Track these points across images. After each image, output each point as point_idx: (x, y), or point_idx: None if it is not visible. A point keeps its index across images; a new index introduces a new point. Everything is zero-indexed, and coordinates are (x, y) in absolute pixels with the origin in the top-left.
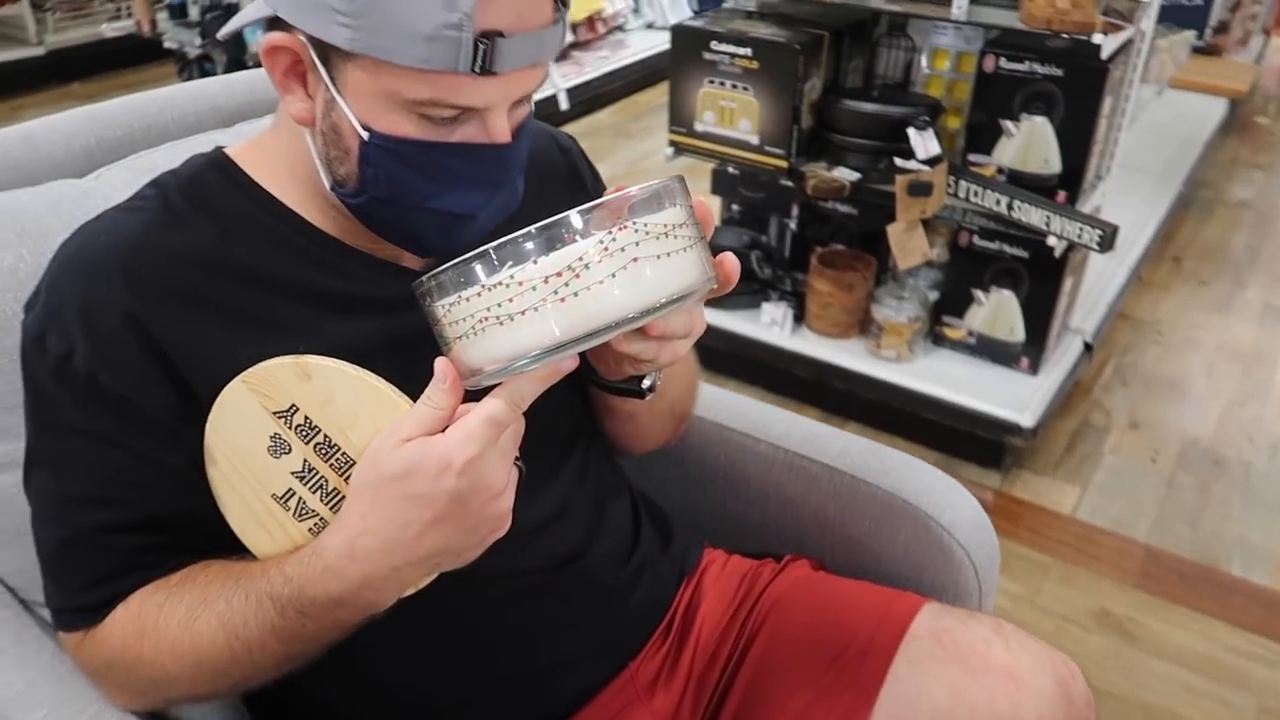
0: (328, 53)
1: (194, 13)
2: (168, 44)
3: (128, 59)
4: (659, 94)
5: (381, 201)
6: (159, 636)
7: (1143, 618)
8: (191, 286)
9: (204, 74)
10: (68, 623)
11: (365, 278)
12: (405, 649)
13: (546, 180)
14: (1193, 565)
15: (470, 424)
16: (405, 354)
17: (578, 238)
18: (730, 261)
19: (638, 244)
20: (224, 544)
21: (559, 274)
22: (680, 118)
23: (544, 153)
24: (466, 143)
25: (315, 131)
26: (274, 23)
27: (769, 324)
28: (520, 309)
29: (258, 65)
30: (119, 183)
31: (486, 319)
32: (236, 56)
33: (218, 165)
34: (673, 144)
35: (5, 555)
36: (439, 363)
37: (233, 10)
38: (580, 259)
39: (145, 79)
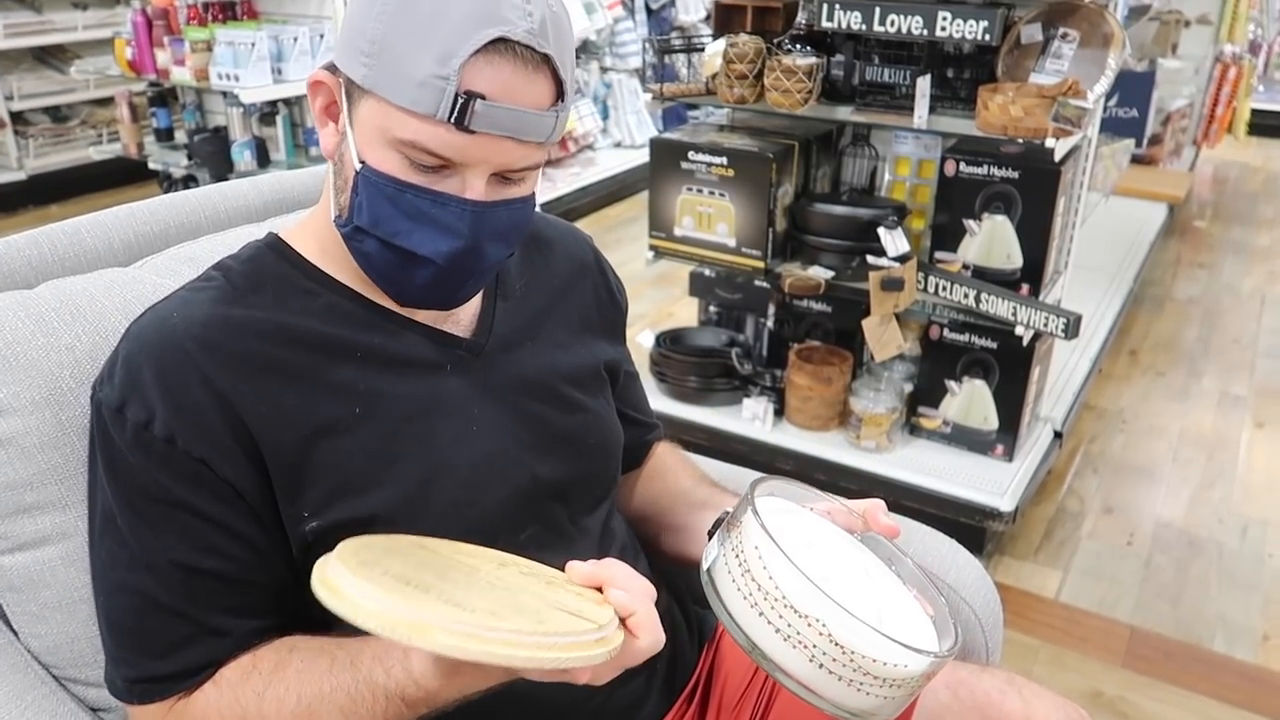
0: (351, 90)
1: (180, 136)
2: (153, 165)
3: (107, 182)
4: (628, 207)
5: (361, 232)
6: None
7: (1134, 697)
8: (258, 353)
9: None
10: (141, 695)
11: (411, 340)
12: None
13: (576, 265)
14: (1178, 644)
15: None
16: (451, 410)
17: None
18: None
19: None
20: (290, 616)
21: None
22: (660, 223)
23: (574, 244)
24: (437, 190)
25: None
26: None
27: (750, 419)
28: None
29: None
30: (164, 270)
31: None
32: (222, 175)
33: (273, 247)
34: (653, 248)
35: (44, 630)
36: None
37: (219, 133)
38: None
39: (123, 199)
